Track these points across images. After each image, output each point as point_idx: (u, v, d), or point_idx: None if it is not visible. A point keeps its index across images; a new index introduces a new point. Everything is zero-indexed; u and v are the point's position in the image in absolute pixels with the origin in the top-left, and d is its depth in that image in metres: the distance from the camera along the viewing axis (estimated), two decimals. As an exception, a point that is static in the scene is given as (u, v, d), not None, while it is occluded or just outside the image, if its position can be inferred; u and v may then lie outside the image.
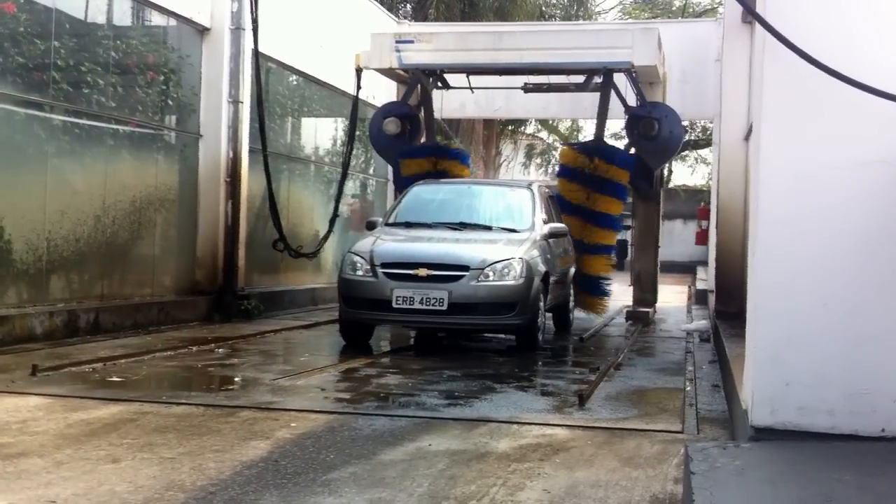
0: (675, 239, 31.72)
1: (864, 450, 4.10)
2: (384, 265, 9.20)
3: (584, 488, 4.45)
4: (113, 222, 10.50)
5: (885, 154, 4.25)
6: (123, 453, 4.86)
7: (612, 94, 12.88)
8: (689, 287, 20.58)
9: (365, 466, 4.74)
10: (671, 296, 18.58)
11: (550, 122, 31.24)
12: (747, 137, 10.99)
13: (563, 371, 8.88)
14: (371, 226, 10.54)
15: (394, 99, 14.56)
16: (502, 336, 10.40)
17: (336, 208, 13.69)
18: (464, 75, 13.60)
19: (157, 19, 11.59)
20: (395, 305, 8.99)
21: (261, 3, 11.56)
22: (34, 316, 8.97)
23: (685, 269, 27.43)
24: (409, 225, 10.39)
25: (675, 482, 4.56)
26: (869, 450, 4.10)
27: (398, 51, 12.72)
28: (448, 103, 15.13)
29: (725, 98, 12.14)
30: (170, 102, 11.69)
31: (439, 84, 13.87)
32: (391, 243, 9.77)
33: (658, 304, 15.06)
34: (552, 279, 10.17)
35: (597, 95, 13.14)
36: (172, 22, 11.70)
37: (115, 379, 7.19)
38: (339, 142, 16.75)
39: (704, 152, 36.40)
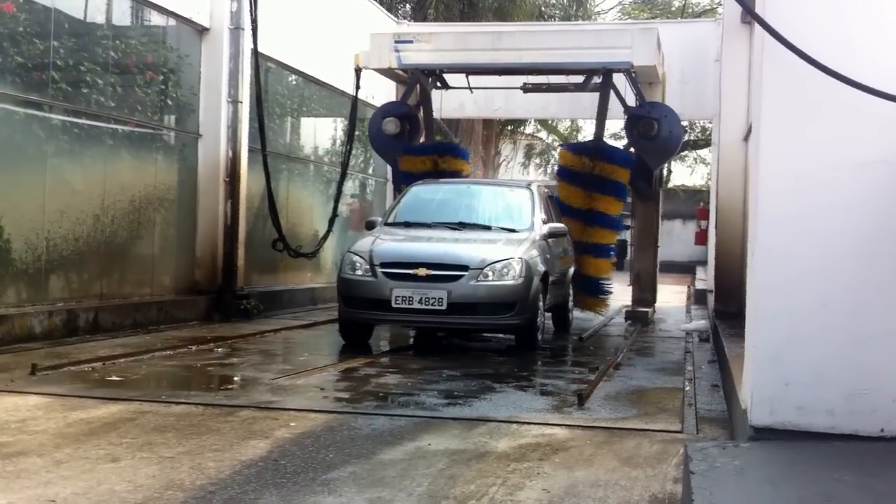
0: (675, 239, 31.72)
1: (863, 450, 4.10)
2: (383, 265, 9.20)
3: (583, 488, 4.45)
4: (112, 222, 10.50)
5: (884, 154, 4.25)
6: (123, 452, 4.86)
7: (612, 94, 12.90)
8: (689, 287, 20.60)
9: (364, 466, 4.74)
10: (670, 296, 18.59)
11: (550, 122, 31.24)
12: (747, 137, 11.00)
13: (562, 371, 8.88)
14: (370, 225, 10.54)
15: (393, 99, 14.56)
16: (501, 336, 10.40)
17: (335, 208, 13.69)
18: (463, 75, 13.61)
19: (156, 19, 11.59)
20: (394, 305, 8.99)
21: (260, 3, 11.56)
22: (33, 315, 8.97)
23: (684, 269, 27.42)
24: (408, 225, 10.39)
25: (674, 482, 4.56)
26: (868, 450, 4.10)
27: (397, 51, 12.73)
28: (447, 103, 15.14)
29: (725, 98, 12.14)
30: (169, 102, 11.69)
31: (438, 84, 13.88)
32: (390, 243, 9.77)
33: (657, 304, 15.06)
34: (551, 279, 10.17)
35: (596, 95, 13.15)
36: (172, 22, 11.70)
37: (114, 378, 7.19)
38: (338, 141, 16.76)
39: (704, 152, 36.42)
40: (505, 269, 9.16)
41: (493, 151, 28.69)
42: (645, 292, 14.44)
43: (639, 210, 14.80)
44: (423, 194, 11.18)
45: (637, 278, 14.64)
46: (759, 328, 4.46)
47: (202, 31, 12.05)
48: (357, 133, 14.74)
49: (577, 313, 12.57)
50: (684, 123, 16.46)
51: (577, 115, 23.17)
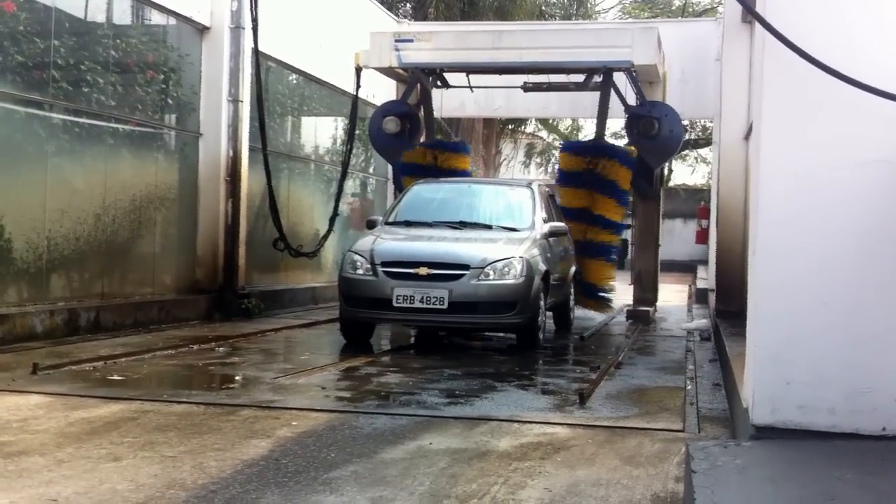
0: (676, 238, 31.70)
1: (864, 448, 4.10)
2: (384, 264, 9.20)
3: (585, 487, 4.45)
4: (113, 221, 10.50)
5: (885, 153, 4.25)
6: (124, 452, 4.87)
7: (612, 93, 12.89)
8: (690, 286, 20.59)
9: (366, 465, 4.75)
10: (671, 295, 18.58)
11: (550, 121, 31.26)
12: (747, 136, 10.99)
13: (563, 370, 8.89)
14: (371, 224, 10.54)
15: (393, 98, 14.56)
16: (503, 335, 10.41)
17: (336, 207, 13.69)
18: (463, 74, 13.60)
19: (156, 18, 11.59)
20: (395, 304, 9.00)
21: (260, 2, 11.55)
22: (35, 314, 8.97)
23: (685, 269, 27.42)
24: (409, 224, 10.39)
25: (676, 481, 4.57)
26: (870, 448, 4.10)
27: (398, 50, 12.72)
28: (448, 102, 15.14)
29: (725, 97, 12.13)
30: (170, 101, 11.70)
31: (439, 83, 13.88)
32: (391, 242, 9.77)
33: (658, 303, 15.05)
34: (552, 278, 10.17)
35: (596, 94, 13.15)
36: (172, 21, 11.70)
37: (115, 377, 7.19)
38: (338, 141, 16.76)
39: (704, 151, 36.42)
40: (506, 269, 9.17)
41: (494, 150, 28.71)
42: (646, 291, 14.43)
43: (640, 209, 14.79)
44: (424, 193, 11.18)
45: (638, 277, 14.63)
46: (759, 327, 4.47)
47: (203, 30, 12.06)
48: (358, 132, 14.75)
49: (578, 312, 12.57)
50: (685, 122, 16.42)
51: (577, 114, 23.17)
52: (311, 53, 14.52)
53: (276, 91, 14.36)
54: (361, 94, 13.36)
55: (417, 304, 8.95)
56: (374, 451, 5.04)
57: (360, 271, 9.29)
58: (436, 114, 14.45)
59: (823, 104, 4.31)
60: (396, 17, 19.22)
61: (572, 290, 11.94)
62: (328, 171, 16.34)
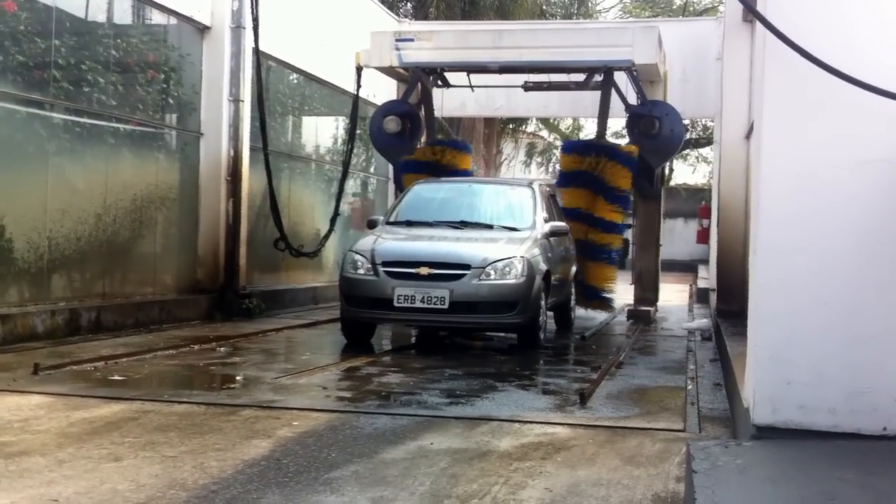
0: (677, 238, 31.68)
1: (865, 448, 4.10)
2: (385, 264, 9.20)
3: (585, 487, 4.45)
4: (114, 221, 10.50)
5: (885, 153, 4.25)
6: (125, 452, 4.87)
7: (613, 92, 12.88)
8: (691, 286, 20.59)
9: (367, 465, 4.75)
10: (672, 294, 18.57)
11: (551, 120, 31.22)
12: (748, 136, 10.99)
13: (564, 370, 8.88)
14: (372, 224, 10.54)
15: (394, 97, 14.56)
16: (503, 335, 10.40)
17: (337, 207, 13.68)
18: (464, 74, 13.60)
19: (157, 18, 11.59)
20: (396, 304, 9.00)
21: (261, 2, 11.54)
22: (36, 314, 8.98)
23: (686, 268, 27.42)
24: (410, 223, 10.39)
25: (676, 481, 4.57)
26: (870, 448, 4.10)
27: (398, 49, 12.72)
28: (448, 102, 15.14)
29: (726, 96, 12.12)
30: (170, 101, 11.70)
31: (439, 82, 13.88)
32: (392, 242, 9.77)
33: (659, 303, 15.04)
34: (553, 278, 10.17)
35: (597, 94, 13.15)
36: (173, 20, 11.70)
37: (116, 377, 7.19)
38: (339, 140, 16.76)
39: (705, 151, 36.35)
40: (507, 268, 9.16)
41: (495, 150, 28.70)
42: (647, 291, 14.42)
43: (641, 209, 14.79)
44: (425, 193, 11.18)
45: (639, 277, 14.62)
46: (760, 327, 4.47)
47: (203, 29, 12.06)
48: (358, 132, 14.74)
49: (579, 312, 12.56)
50: (686, 122, 16.40)
51: (578, 113, 23.14)
52: (312, 53, 14.52)
53: (276, 91, 14.36)
54: (362, 94, 13.36)
55: (418, 304, 8.95)
56: (375, 451, 5.04)
57: (360, 271, 9.29)
58: (436, 113, 14.45)
59: (824, 103, 4.31)
60: (397, 17, 19.22)
61: (573, 290, 11.93)
62: (329, 170, 16.34)
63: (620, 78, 12.84)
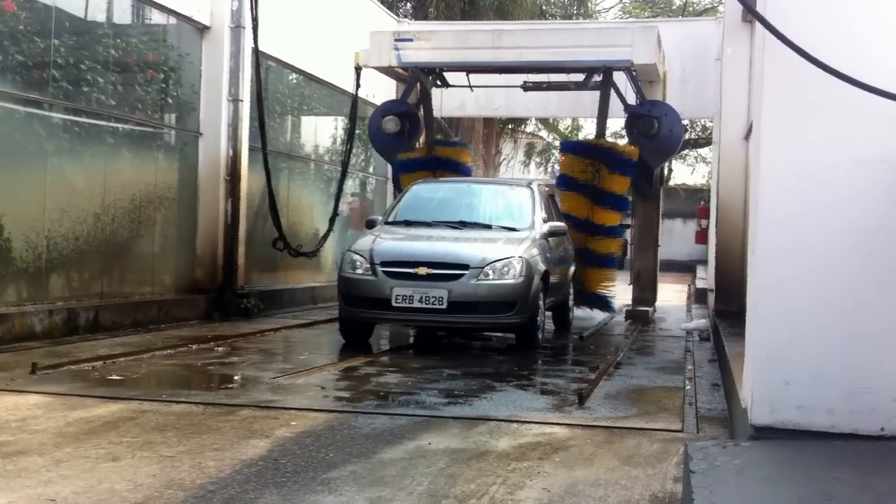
0: (675, 238, 31.69)
1: (863, 448, 4.10)
2: (384, 264, 9.20)
3: (583, 487, 4.45)
4: (113, 220, 10.50)
5: (885, 153, 4.25)
6: (123, 452, 4.86)
7: (612, 92, 12.88)
8: (689, 286, 20.59)
9: (365, 465, 4.74)
10: (671, 295, 18.58)
11: (550, 120, 31.23)
12: (747, 136, 10.99)
13: (562, 370, 8.88)
14: (371, 224, 10.54)
15: (393, 97, 14.56)
16: (502, 335, 10.40)
17: (336, 207, 13.69)
18: (463, 74, 13.60)
19: (156, 17, 11.59)
20: (394, 304, 8.99)
21: (261, 2, 11.55)
22: (34, 314, 8.97)
23: (685, 268, 27.41)
24: (408, 223, 10.39)
25: (674, 481, 4.56)
26: (869, 448, 4.10)
27: (397, 49, 12.72)
28: (448, 102, 15.13)
29: (725, 97, 12.14)
30: (169, 101, 11.69)
31: (439, 82, 13.88)
32: (391, 242, 9.77)
33: (658, 303, 15.06)
34: (552, 278, 10.17)
35: (596, 94, 13.14)
36: (172, 20, 11.70)
37: (114, 377, 7.19)
38: (338, 140, 16.75)
39: (704, 151, 36.40)
40: (505, 268, 9.16)
41: (494, 150, 28.70)
42: (645, 291, 14.43)
43: (639, 209, 14.79)
44: (424, 193, 11.18)
45: (637, 277, 14.63)
46: (759, 327, 4.46)
47: (203, 29, 12.05)
48: (357, 132, 14.74)
49: (577, 312, 12.56)
50: (685, 122, 16.42)
51: (577, 113, 23.13)
52: (311, 53, 14.52)
53: (275, 90, 14.36)
54: (361, 94, 13.37)
55: (417, 304, 8.94)
56: (373, 452, 5.04)
57: (359, 271, 9.28)
58: (436, 113, 14.44)
59: (824, 104, 4.30)
60: (396, 17, 19.22)
61: (572, 290, 11.93)
62: (328, 170, 16.33)
63: (620, 78, 12.84)
